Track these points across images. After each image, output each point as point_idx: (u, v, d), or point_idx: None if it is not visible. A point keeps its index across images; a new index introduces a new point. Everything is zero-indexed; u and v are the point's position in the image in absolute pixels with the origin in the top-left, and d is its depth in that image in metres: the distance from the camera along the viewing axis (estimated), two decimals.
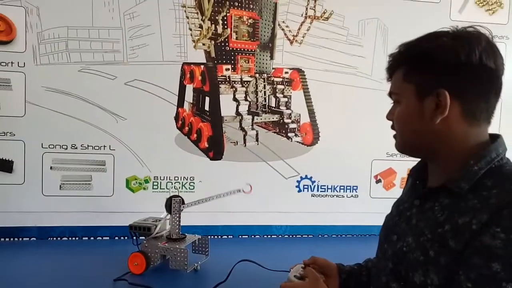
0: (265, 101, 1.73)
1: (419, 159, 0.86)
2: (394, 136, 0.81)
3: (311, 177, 1.78)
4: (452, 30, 0.72)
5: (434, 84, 0.70)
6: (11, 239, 1.58)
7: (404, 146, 0.80)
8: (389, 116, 0.81)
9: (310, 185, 1.79)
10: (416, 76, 0.73)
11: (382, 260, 0.82)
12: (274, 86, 1.72)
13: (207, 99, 1.68)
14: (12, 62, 1.53)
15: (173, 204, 1.30)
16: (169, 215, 1.32)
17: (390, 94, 0.80)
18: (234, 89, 1.69)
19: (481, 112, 0.71)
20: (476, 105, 0.71)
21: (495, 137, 0.74)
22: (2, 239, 1.57)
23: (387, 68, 0.80)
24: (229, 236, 1.73)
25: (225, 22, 1.66)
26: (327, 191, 1.80)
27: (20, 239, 1.58)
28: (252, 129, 1.72)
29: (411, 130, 0.76)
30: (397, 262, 0.75)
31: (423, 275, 0.69)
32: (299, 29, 1.71)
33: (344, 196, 1.81)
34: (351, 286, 0.98)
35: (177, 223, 1.31)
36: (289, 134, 1.75)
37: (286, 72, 1.72)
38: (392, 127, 0.81)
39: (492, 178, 0.68)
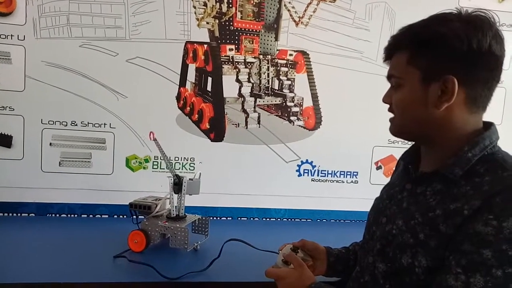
0: (268, 83, 1.71)
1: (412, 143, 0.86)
2: (391, 120, 0.80)
3: (311, 162, 1.78)
4: (460, 13, 0.70)
5: (442, 70, 0.69)
6: (10, 214, 1.57)
7: (401, 131, 0.79)
8: (386, 100, 0.79)
9: (311, 170, 1.78)
10: (422, 60, 0.71)
11: (370, 241, 0.83)
12: (278, 68, 1.70)
13: (210, 79, 1.65)
14: (11, 35, 1.50)
15: (183, 183, 1.29)
16: (174, 194, 1.31)
17: (390, 77, 0.78)
18: (237, 70, 1.67)
19: (482, 99, 0.71)
20: (480, 92, 0.70)
21: (489, 125, 0.74)
22: (1, 214, 1.57)
23: (387, 48, 0.77)
24: (228, 218, 1.73)
25: (230, 1, 1.62)
26: (327, 176, 1.80)
27: (19, 214, 1.58)
28: (254, 111, 1.70)
29: (412, 116, 0.74)
30: (385, 244, 0.76)
31: (411, 257, 0.69)
32: (305, 10, 1.67)
33: (344, 182, 1.81)
34: (338, 269, 1.00)
35: (183, 202, 1.32)
36: (291, 118, 1.74)
37: (291, 55, 1.70)
38: (390, 110, 0.79)
39: (485, 165, 0.69)
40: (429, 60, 0.70)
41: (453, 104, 0.70)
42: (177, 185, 1.31)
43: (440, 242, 0.66)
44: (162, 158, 1.34)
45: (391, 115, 0.80)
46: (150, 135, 1.30)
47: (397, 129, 0.79)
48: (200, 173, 1.38)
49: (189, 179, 1.33)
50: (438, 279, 0.65)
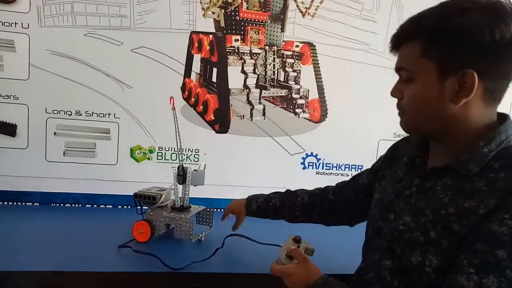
0: (273, 75, 1.69)
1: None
2: (400, 115, 0.75)
3: (316, 155, 1.77)
4: (479, 1, 0.65)
5: (460, 63, 0.64)
6: (15, 203, 1.58)
7: (414, 128, 0.74)
8: (395, 93, 0.74)
9: (315, 163, 1.77)
10: (439, 53, 0.66)
11: (375, 238, 0.80)
12: (284, 59, 1.68)
13: (215, 70, 1.64)
14: (16, 23, 1.49)
15: (188, 174, 1.29)
16: (178, 185, 1.31)
17: (399, 69, 0.72)
18: (242, 61, 1.65)
19: (500, 92, 0.68)
20: (499, 85, 0.67)
21: (504, 117, 0.70)
22: (6, 203, 1.57)
23: (396, 38, 0.72)
24: None
25: None
26: (332, 169, 1.79)
27: (24, 203, 1.58)
28: (260, 103, 1.69)
29: (426, 112, 0.70)
30: (392, 240, 0.73)
31: (421, 256, 0.67)
32: (312, 1, 1.65)
33: (349, 175, 1.80)
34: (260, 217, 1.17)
35: (187, 193, 1.31)
36: (297, 110, 1.72)
37: (297, 46, 1.68)
38: (398, 106, 0.74)
39: (500, 160, 0.65)
40: (446, 53, 0.65)
41: (471, 99, 0.66)
42: (182, 176, 1.30)
43: (453, 242, 0.64)
44: (176, 136, 1.33)
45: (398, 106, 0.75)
46: (170, 100, 1.33)
47: (410, 126, 0.74)
48: (204, 164, 1.38)
49: (194, 170, 1.32)
50: (449, 279, 0.63)
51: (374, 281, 0.77)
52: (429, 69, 0.67)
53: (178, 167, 1.31)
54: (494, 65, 0.65)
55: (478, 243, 0.61)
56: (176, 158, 1.65)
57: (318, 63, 1.70)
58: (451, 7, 0.66)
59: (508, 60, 0.65)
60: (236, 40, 1.64)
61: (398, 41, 0.72)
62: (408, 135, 0.86)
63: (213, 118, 1.66)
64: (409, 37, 0.70)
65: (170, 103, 1.32)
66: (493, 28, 0.62)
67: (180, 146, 1.35)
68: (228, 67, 1.64)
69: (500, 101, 0.70)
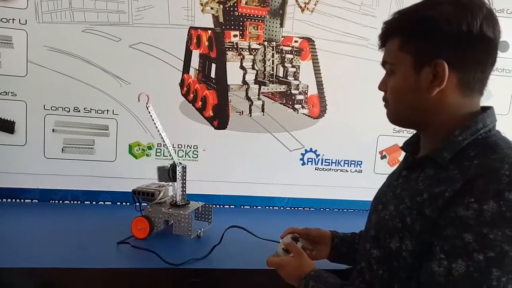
0: (272, 71, 1.68)
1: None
2: (385, 106, 0.79)
3: (315, 151, 1.77)
4: None
5: (432, 55, 0.68)
6: (13, 200, 1.57)
7: (397, 118, 0.79)
8: (382, 87, 0.79)
9: (315, 159, 1.77)
10: (413, 45, 0.70)
11: (368, 228, 0.83)
12: (283, 55, 1.67)
13: (214, 66, 1.63)
14: (13, 19, 1.48)
15: (178, 171, 1.28)
16: (174, 182, 1.30)
17: (384, 64, 0.77)
18: (241, 56, 1.64)
19: (476, 83, 0.70)
20: (473, 75, 0.69)
21: (486, 109, 0.72)
22: (4, 200, 1.57)
23: (381, 35, 0.77)
24: (231, 206, 1.73)
25: None
26: (331, 165, 1.79)
27: (22, 200, 1.58)
28: (259, 99, 1.69)
29: (406, 102, 0.74)
30: (378, 230, 0.76)
31: (399, 241, 0.70)
32: None
33: (348, 171, 1.80)
34: (343, 251, 1.01)
35: (183, 188, 1.30)
36: (296, 106, 1.72)
37: (296, 41, 1.67)
38: (384, 98, 0.79)
39: (476, 149, 0.67)
40: (419, 45, 0.70)
41: (446, 88, 0.69)
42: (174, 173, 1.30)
43: (425, 226, 0.66)
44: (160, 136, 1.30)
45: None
46: (139, 97, 1.25)
47: (393, 117, 0.79)
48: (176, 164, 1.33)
49: (158, 166, 1.31)
50: (425, 266, 0.65)
51: (366, 270, 0.79)
52: (406, 61, 0.71)
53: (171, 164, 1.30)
54: (463, 55, 0.68)
55: (448, 229, 0.63)
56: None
57: (317, 59, 1.69)
58: (427, 3, 0.71)
59: (479, 52, 0.68)
60: (235, 36, 1.63)
61: (384, 38, 0.77)
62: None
63: (212, 114, 1.66)
64: (391, 33, 0.75)
65: (139, 101, 1.26)
66: (459, 19, 0.66)
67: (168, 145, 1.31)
68: (227, 62, 1.64)
69: (481, 93, 0.73)
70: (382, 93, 0.81)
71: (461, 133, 0.69)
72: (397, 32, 0.73)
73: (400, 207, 0.72)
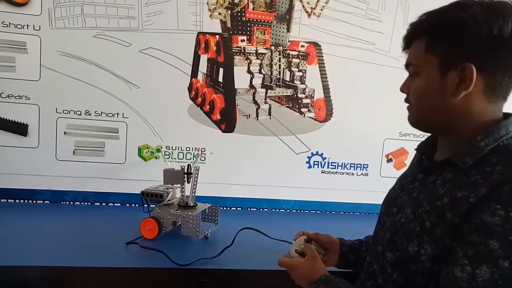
0: (279, 75, 1.71)
1: (428, 135, 0.84)
2: (408, 108, 0.78)
3: (322, 154, 1.78)
4: (481, 0, 0.68)
5: (460, 57, 0.67)
6: (26, 201, 1.61)
7: (419, 121, 0.77)
8: (404, 89, 0.78)
9: (321, 162, 1.79)
10: (441, 47, 0.69)
11: (380, 231, 0.82)
12: (290, 59, 1.70)
13: (221, 70, 1.66)
14: (27, 25, 1.52)
15: (194, 172, 1.31)
16: (185, 183, 1.33)
17: (408, 66, 0.76)
18: (248, 61, 1.67)
19: (502, 88, 0.69)
20: (500, 81, 0.68)
21: (509, 116, 0.72)
22: (17, 201, 1.61)
23: (405, 37, 0.75)
24: (238, 208, 1.75)
25: None
26: (338, 168, 1.80)
27: (34, 201, 1.62)
28: (265, 102, 1.71)
29: (429, 105, 0.72)
30: (394, 233, 0.75)
31: (417, 245, 0.69)
32: (317, 1, 1.66)
33: (354, 174, 1.81)
34: (351, 260, 1.00)
35: (194, 190, 1.34)
36: (302, 110, 1.74)
37: (302, 46, 1.69)
38: (406, 100, 0.78)
39: (498, 155, 0.66)
40: (447, 47, 0.68)
41: (472, 92, 0.67)
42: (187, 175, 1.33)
43: (446, 230, 0.65)
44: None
45: (404, 106, 0.78)
46: None
47: (415, 119, 0.77)
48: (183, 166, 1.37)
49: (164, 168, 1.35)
50: (445, 271, 0.64)
51: (378, 273, 0.78)
52: (432, 63, 0.70)
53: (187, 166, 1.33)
54: (493, 59, 0.66)
55: (472, 235, 0.62)
56: (183, 157, 1.68)
57: (324, 63, 1.71)
58: (456, 5, 0.69)
59: (507, 57, 0.67)
60: (242, 41, 1.65)
61: (408, 40, 0.75)
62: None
63: (219, 117, 1.68)
64: (417, 35, 0.73)
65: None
66: (490, 22, 0.64)
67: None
68: (234, 67, 1.66)
69: (505, 99, 0.71)
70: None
71: (484, 139, 0.68)
72: (423, 34, 0.71)
73: (418, 210, 0.70)
